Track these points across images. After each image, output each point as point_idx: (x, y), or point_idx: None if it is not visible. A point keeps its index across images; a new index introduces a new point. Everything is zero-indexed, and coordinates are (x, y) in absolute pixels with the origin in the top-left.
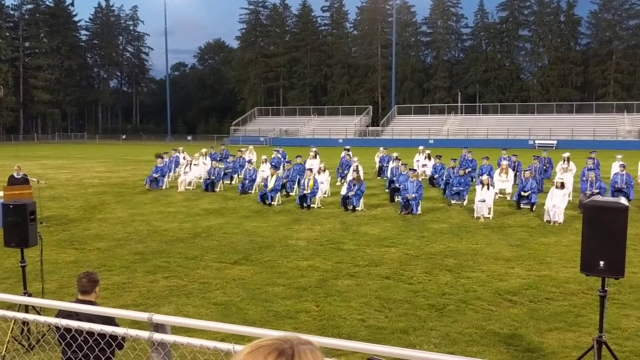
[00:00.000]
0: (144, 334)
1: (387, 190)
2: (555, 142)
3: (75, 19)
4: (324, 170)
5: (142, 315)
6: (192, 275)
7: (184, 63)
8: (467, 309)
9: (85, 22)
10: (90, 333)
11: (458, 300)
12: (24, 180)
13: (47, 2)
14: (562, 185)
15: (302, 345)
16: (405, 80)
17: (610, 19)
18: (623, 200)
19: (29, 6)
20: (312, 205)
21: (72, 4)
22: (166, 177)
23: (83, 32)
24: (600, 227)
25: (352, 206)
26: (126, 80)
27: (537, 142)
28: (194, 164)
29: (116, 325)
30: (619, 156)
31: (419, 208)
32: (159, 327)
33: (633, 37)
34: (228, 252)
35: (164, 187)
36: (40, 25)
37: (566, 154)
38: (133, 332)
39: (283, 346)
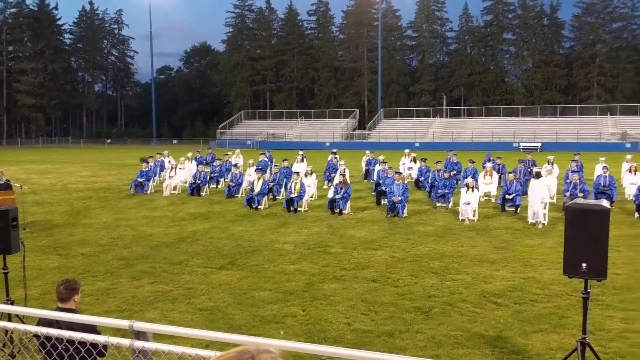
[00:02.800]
0: (125, 341)
1: (373, 194)
2: (539, 144)
3: (59, 22)
4: (311, 174)
5: (123, 323)
6: (178, 281)
7: (170, 66)
8: (453, 312)
9: (70, 25)
10: (71, 341)
11: (443, 303)
12: (7, 186)
13: (31, 6)
14: (538, 175)
15: (262, 354)
16: (391, 84)
17: (594, 22)
18: (605, 202)
19: (12, 10)
20: (299, 209)
21: (55, 8)
22: (151, 181)
23: (67, 35)
24: (582, 230)
25: (338, 209)
26: (111, 84)
27: (521, 144)
28: (180, 168)
29: (97, 333)
30: (603, 158)
31: (405, 211)
32: (140, 335)
33: (616, 40)
34: (214, 257)
35: (149, 191)
36: (23, 29)
37: (550, 157)
38: (114, 339)
39: (244, 357)
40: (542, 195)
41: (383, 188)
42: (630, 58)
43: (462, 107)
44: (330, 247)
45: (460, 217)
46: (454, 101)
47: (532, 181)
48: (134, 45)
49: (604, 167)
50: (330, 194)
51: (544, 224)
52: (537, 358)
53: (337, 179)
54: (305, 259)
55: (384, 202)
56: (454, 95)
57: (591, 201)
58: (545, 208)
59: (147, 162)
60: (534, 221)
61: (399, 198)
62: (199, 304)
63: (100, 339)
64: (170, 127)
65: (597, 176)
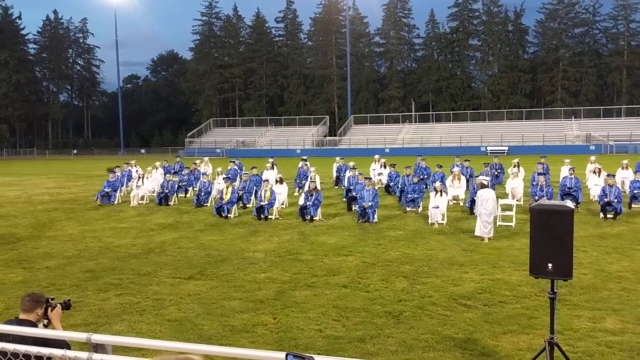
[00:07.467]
0: (83, 355)
1: (344, 200)
2: (506, 148)
3: (23, 32)
4: (282, 181)
5: (81, 336)
6: (146, 292)
7: (137, 75)
8: (423, 315)
9: (34, 35)
10: (27, 355)
11: (414, 307)
12: None
13: None
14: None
15: (180, 355)
16: (361, 91)
17: (557, 28)
18: (569, 203)
19: None
20: (269, 217)
21: (19, 17)
22: (118, 191)
23: (31, 45)
24: (547, 230)
25: (309, 216)
26: (77, 93)
27: (489, 148)
28: (147, 178)
29: (67, 346)
30: (568, 160)
31: (376, 216)
32: (98, 348)
33: (579, 45)
34: (183, 267)
35: (116, 202)
36: None
37: (516, 160)
38: (71, 353)
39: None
40: (490, 207)
41: (354, 194)
42: (592, 62)
43: (431, 113)
44: (301, 255)
45: (429, 221)
46: (422, 107)
47: (479, 192)
48: (99, 54)
49: (570, 169)
50: (301, 201)
51: (490, 238)
52: (507, 359)
53: (307, 186)
54: (276, 267)
55: (354, 208)
56: (423, 101)
57: (555, 202)
58: (514, 213)
59: (114, 172)
60: (479, 234)
61: (370, 204)
62: (168, 314)
63: (56, 352)
64: (138, 137)
65: (563, 178)
